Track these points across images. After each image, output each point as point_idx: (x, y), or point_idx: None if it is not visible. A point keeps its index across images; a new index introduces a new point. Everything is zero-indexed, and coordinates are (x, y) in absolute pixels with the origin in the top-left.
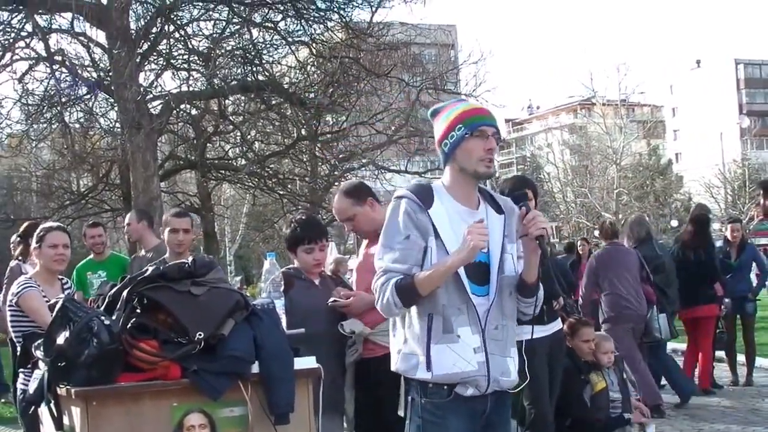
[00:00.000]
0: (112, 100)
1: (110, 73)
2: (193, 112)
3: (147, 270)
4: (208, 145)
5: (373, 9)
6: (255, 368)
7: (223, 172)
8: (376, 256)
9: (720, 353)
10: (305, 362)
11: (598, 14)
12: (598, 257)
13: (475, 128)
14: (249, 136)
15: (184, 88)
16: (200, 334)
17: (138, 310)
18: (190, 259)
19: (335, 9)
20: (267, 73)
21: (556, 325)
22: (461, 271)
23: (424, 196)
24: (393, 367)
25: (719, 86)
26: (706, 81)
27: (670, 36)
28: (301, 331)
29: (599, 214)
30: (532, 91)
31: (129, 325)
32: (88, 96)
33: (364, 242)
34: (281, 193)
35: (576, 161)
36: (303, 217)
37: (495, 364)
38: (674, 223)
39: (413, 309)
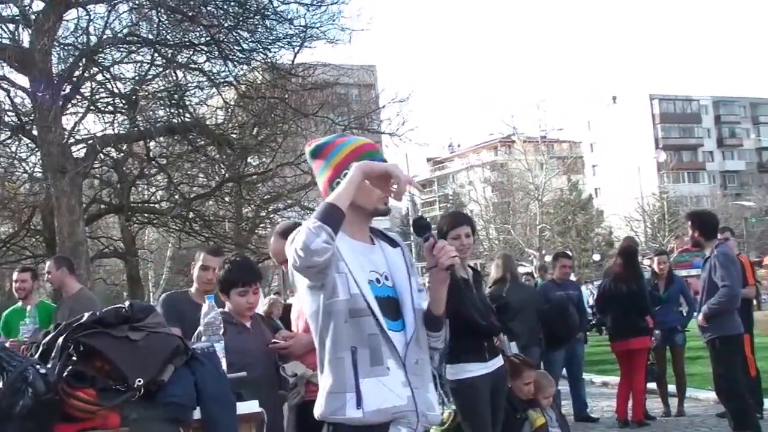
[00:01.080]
0: (34, 145)
1: (32, 117)
2: (115, 155)
3: (83, 316)
4: (132, 188)
5: (296, 50)
6: (197, 414)
7: (147, 215)
8: (291, 247)
9: (651, 385)
10: (248, 406)
11: (517, 52)
12: None
13: None
14: (175, 179)
15: (110, 131)
16: (139, 381)
17: (74, 358)
18: (127, 303)
19: (259, 50)
20: (191, 115)
21: (498, 361)
22: (375, 307)
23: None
24: (316, 414)
25: (635, 121)
26: (623, 116)
27: (587, 73)
28: (243, 374)
29: (522, 250)
30: (453, 129)
31: (65, 373)
32: (10, 140)
33: None
34: (207, 235)
35: (498, 198)
36: (237, 259)
37: (420, 399)
38: (596, 257)
39: (336, 343)
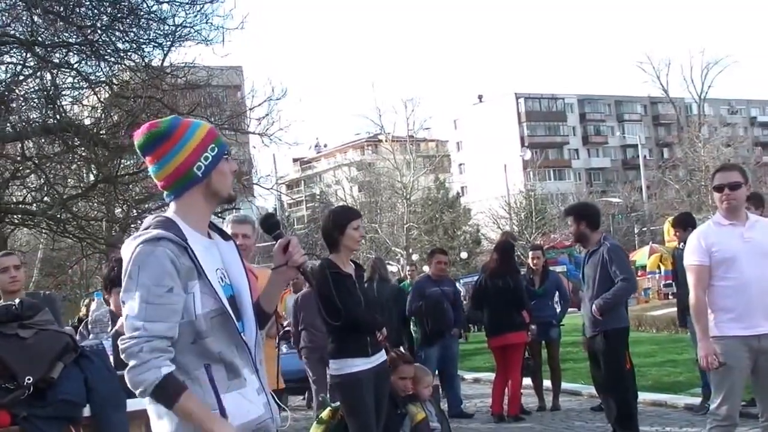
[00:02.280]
0: None
1: None
2: None
3: None
4: (5, 189)
5: (165, 50)
6: (87, 411)
7: (21, 216)
8: (127, 309)
9: (526, 379)
10: (138, 403)
11: (383, 50)
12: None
13: (227, 148)
14: (49, 179)
15: None
16: (29, 379)
17: None
18: (17, 300)
19: (133, 50)
20: (62, 115)
21: (381, 356)
22: (229, 309)
23: (176, 231)
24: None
25: (501, 120)
26: (489, 115)
27: (453, 72)
28: None
29: (389, 249)
30: (319, 129)
31: None
32: None
33: None
34: (80, 236)
35: (365, 197)
36: (121, 257)
37: (272, 403)
38: (463, 254)
39: (188, 361)
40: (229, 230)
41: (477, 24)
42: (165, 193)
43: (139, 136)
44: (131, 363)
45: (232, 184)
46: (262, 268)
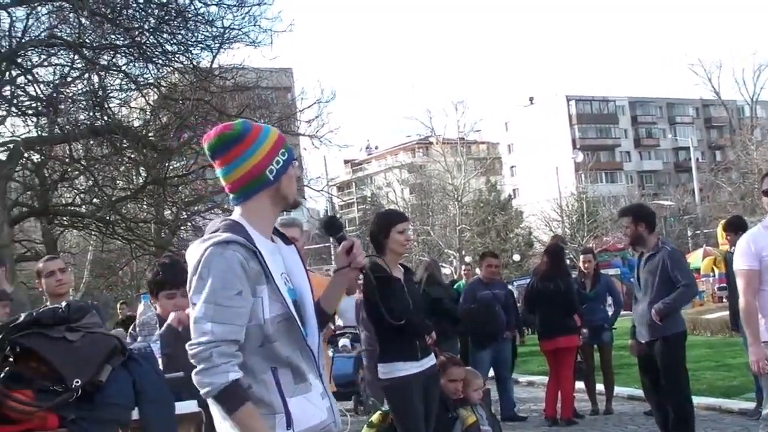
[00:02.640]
0: None
1: None
2: (35, 158)
3: (19, 317)
4: (54, 191)
5: (215, 52)
6: (135, 414)
7: (70, 218)
8: (196, 311)
9: (579, 383)
10: (186, 406)
11: (434, 53)
12: None
13: (294, 154)
14: (98, 181)
15: (33, 133)
16: (77, 382)
17: (11, 359)
18: (64, 303)
19: (181, 52)
20: (113, 117)
21: (430, 360)
22: (295, 313)
23: (245, 235)
24: None
25: (552, 122)
26: (540, 117)
27: (504, 74)
28: (180, 374)
29: (442, 251)
30: (370, 131)
31: (2, 374)
32: None
33: None
34: (129, 238)
35: (417, 200)
36: (166, 261)
37: (335, 406)
38: (516, 257)
39: (255, 364)
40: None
41: (527, 26)
42: (231, 196)
43: (210, 138)
44: (201, 366)
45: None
46: (314, 273)
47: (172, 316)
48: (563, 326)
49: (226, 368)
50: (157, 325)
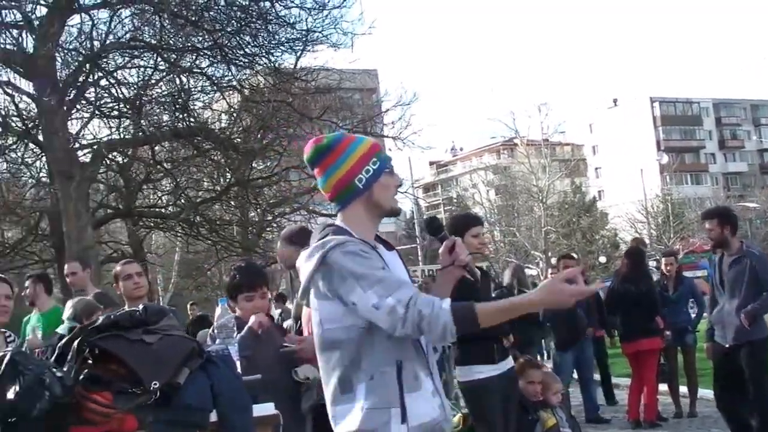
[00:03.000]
0: (40, 150)
1: (38, 122)
2: (121, 160)
3: (98, 319)
4: (138, 192)
5: (298, 54)
6: (213, 417)
7: (154, 219)
8: (366, 302)
9: (663, 386)
10: (264, 409)
11: (518, 54)
12: None
13: (389, 162)
14: (181, 183)
15: (115, 135)
16: (155, 384)
17: (90, 361)
18: (141, 306)
19: (262, 54)
20: (195, 119)
21: (508, 363)
22: None
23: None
24: (353, 429)
25: (636, 124)
26: (624, 119)
27: (588, 75)
28: (258, 377)
29: (528, 252)
30: (455, 132)
31: (81, 376)
32: (16, 145)
33: None
34: (213, 239)
35: (502, 201)
36: (243, 264)
37: (446, 405)
38: (602, 259)
39: (381, 354)
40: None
41: (612, 27)
42: (333, 204)
43: (306, 151)
44: (424, 327)
45: (394, 198)
46: None
47: (252, 318)
48: (645, 328)
49: (439, 305)
50: (235, 328)
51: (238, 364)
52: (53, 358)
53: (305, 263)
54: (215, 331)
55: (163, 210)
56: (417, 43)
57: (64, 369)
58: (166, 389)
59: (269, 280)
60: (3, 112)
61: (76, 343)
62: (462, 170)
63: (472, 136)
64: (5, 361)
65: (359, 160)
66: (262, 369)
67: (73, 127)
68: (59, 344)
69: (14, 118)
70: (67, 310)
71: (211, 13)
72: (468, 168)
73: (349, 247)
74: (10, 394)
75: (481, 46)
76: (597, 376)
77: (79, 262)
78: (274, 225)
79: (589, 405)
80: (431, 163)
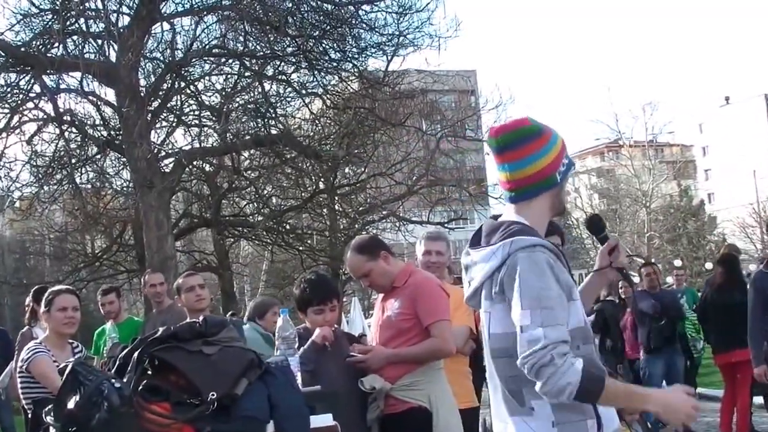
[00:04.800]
0: (124, 159)
1: (121, 132)
2: (207, 168)
3: (158, 331)
4: (223, 201)
5: (389, 58)
6: (270, 428)
7: (239, 229)
8: (521, 319)
9: (758, 398)
10: (322, 420)
11: (621, 53)
12: None
13: (573, 163)
14: (265, 192)
15: (196, 144)
16: (213, 395)
17: (149, 372)
18: (201, 318)
19: (349, 59)
20: (280, 126)
21: None
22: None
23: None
24: None
25: (750, 123)
26: (736, 118)
27: (697, 73)
28: (317, 388)
29: (631, 259)
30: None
31: (140, 387)
32: (99, 156)
33: (380, 297)
34: (300, 248)
35: (605, 205)
36: (312, 277)
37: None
38: (709, 265)
39: None
40: (422, 247)
41: (724, 22)
42: (510, 194)
43: (506, 131)
44: (546, 373)
45: None
46: (456, 287)
47: (317, 332)
48: (738, 339)
49: (571, 362)
50: (296, 340)
51: (298, 375)
52: (114, 369)
53: (481, 262)
54: (276, 342)
55: (247, 218)
56: (515, 46)
57: (124, 380)
58: (225, 400)
59: (339, 293)
60: (86, 122)
61: (136, 354)
62: None
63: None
64: (67, 372)
65: (560, 152)
66: (325, 382)
67: (158, 136)
68: (120, 355)
69: (99, 128)
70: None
71: (295, 18)
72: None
73: (537, 255)
74: (71, 404)
75: (583, 46)
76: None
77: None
78: (363, 233)
79: None
80: None
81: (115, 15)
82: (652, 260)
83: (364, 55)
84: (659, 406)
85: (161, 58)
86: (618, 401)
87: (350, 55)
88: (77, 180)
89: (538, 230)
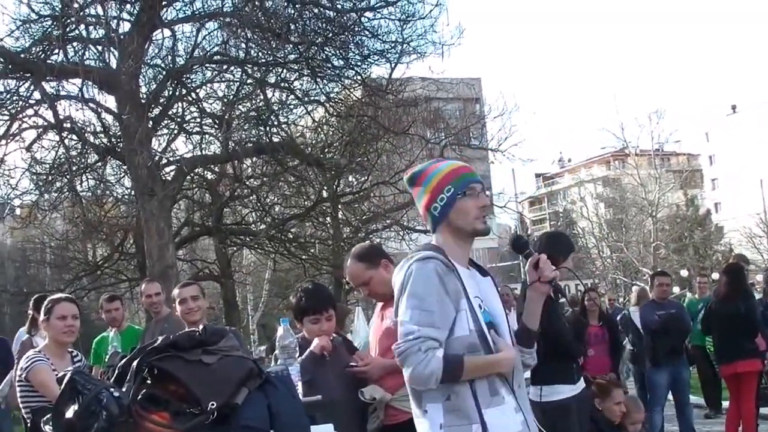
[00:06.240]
0: (125, 167)
1: (121, 139)
2: (209, 176)
3: (157, 340)
4: (225, 210)
5: (392, 65)
6: None
7: (242, 237)
8: (402, 316)
9: (765, 409)
10: (322, 430)
11: (627, 61)
12: None
13: (465, 187)
14: (267, 200)
15: (198, 152)
16: (213, 404)
17: (148, 381)
18: (201, 327)
19: (351, 66)
20: (283, 134)
21: (582, 383)
22: (487, 331)
23: (444, 256)
24: None
25: (757, 132)
26: (743, 127)
27: (704, 81)
28: (318, 397)
29: (637, 269)
30: (563, 143)
31: (139, 396)
32: (99, 163)
33: (379, 305)
34: (303, 257)
35: (611, 215)
36: (308, 287)
37: (530, 422)
38: (715, 275)
39: None
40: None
41: (730, 30)
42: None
43: (405, 180)
44: (412, 361)
45: (479, 219)
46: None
47: (315, 342)
48: (742, 349)
49: (433, 353)
50: (297, 349)
51: (298, 385)
52: (113, 378)
53: (396, 275)
54: (277, 351)
55: (251, 227)
56: (520, 53)
57: (122, 389)
58: (224, 409)
59: (335, 302)
60: (86, 130)
61: (135, 363)
62: (570, 182)
63: (581, 147)
64: (65, 381)
65: (434, 190)
66: (324, 392)
67: (159, 144)
68: (119, 364)
69: (100, 135)
70: None
71: (298, 25)
72: (576, 180)
73: (428, 265)
74: (69, 414)
75: (589, 54)
76: (693, 398)
77: (160, 283)
78: (367, 242)
79: (685, 429)
80: (537, 176)
81: (115, 21)
82: (659, 269)
83: (367, 63)
84: (505, 365)
85: (162, 65)
86: (479, 372)
87: (353, 63)
88: (78, 188)
89: (454, 255)
